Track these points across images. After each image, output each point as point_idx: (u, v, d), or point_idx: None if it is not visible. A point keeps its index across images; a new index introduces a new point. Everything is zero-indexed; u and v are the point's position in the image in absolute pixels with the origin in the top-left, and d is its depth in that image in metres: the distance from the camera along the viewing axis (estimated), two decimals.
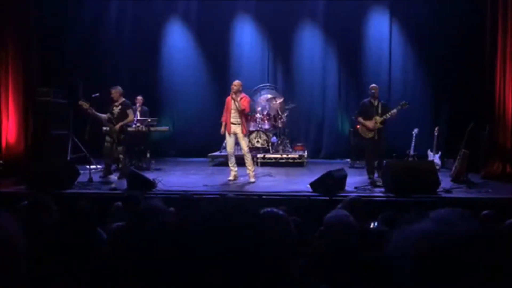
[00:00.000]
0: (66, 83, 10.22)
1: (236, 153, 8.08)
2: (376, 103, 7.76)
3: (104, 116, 8.09)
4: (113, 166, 8.48)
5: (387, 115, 7.60)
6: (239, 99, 7.64)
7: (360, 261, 2.49)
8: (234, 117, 7.70)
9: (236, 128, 7.69)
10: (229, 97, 7.81)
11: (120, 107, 8.15)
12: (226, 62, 11.70)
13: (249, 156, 7.87)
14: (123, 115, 8.15)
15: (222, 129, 7.94)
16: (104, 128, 8.19)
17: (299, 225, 3.78)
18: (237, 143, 8.06)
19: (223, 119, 7.96)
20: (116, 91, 8.19)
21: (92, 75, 10.81)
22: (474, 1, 9.61)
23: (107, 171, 8.13)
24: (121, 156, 8.07)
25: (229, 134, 7.78)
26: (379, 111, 7.67)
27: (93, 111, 7.97)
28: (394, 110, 7.65)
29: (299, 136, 11.39)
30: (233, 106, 7.70)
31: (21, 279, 0.99)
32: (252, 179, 7.75)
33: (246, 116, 7.93)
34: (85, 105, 8.00)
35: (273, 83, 11.64)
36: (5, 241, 0.95)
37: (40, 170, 7.02)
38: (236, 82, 7.85)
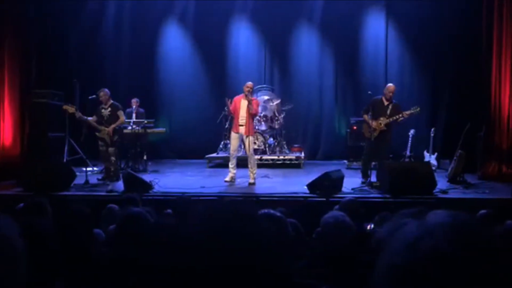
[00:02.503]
0: (62, 85, 10.20)
1: (239, 154, 8.08)
2: (387, 103, 7.38)
3: (90, 119, 8.02)
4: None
5: (394, 118, 7.23)
6: (252, 101, 7.66)
7: (360, 262, 2.49)
8: (242, 118, 7.65)
9: (244, 130, 7.66)
10: (239, 97, 7.75)
11: (109, 109, 8.11)
12: (223, 64, 11.70)
13: (252, 158, 7.83)
14: (114, 117, 8.12)
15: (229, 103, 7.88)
16: (97, 133, 8.11)
17: (296, 227, 3.78)
18: (241, 145, 8.08)
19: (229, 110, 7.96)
20: (105, 93, 8.13)
21: (89, 77, 10.78)
22: (469, 3, 9.65)
23: (107, 175, 8.09)
24: (112, 158, 8.04)
25: (237, 133, 7.73)
26: (388, 112, 7.30)
27: (80, 114, 7.93)
28: (401, 117, 7.25)
29: (296, 137, 11.40)
30: (242, 107, 7.63)
31: (20, 282, 0.99)
32: (252, 181, 7.73)
33: (253, 117, 7.94)
34: (71, 109, 7.95)
35: (270, 85, 11.65)
36: (4, 244, 0.95)
37: (37, 172, 7.00)
38: (250, 83, 7.79)
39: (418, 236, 0.72)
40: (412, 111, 7.36)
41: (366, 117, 7.47)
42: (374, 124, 7.33)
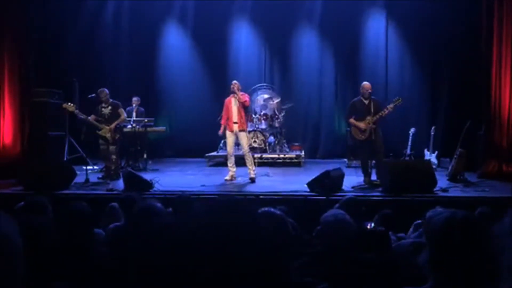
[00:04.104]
0: (62, 84, 10.19)
1: (235, 153, 8.12)
2: (367, 102, 7.37)
3: (89, 118, 8.02)
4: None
5: (380, 114, 7.25)
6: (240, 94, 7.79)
7: (361, 261, 2.49)
8: (235, 116, 7.78)
9: (237, 126, 7.76)
10: (228, 99, 7.92)
11: (110, 107, 8.11)
12: (223, 62, 11.70)
13: (249, 156, 7.89)
14: (114, 115, 8.12)
15: (221, 130, 8.00)
16: (98, 132, 8.11)
17: (293, 227, 3.79)
18: (237, 144, 8.12)
19: (222, 121, 8.01)
20: (105, 92, 8.15)
21: (88, 76, 10.78)
22: (469, 2, 9.63)
23: (107, 174, 8.09)
24: (113, 156, 8.04)
25: (232, 131, 7.81)
26: (372, 110, 7.28)
27: (79, 113, 7.94)
28: (386, 111, 7.28)
29: (296, 136, 11.39)
30: (233, 105, 7.78)
31: (19, 280, 0.99)
32: (253, 176, 7.78)
33: (246, 110, 8.01)
34: (70, 107, 7.95)
35: (270, 83, 11.65)
36: (3, 242, 0.95)
37: (37, 171, 7.00)
38: (235, 82, 7.99)
39: None
40: (395, 103, 7.38)
41: (352, 120, 7.48)
42: (362, 125, 7.33)
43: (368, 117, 7.29)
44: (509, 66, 8.29)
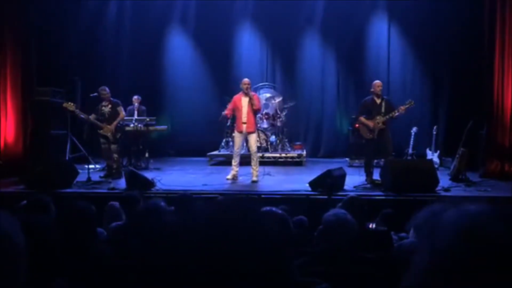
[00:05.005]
0: (64, 82, 10.20)
1: (241, 152, 8.08)
2: (379, 101, 7.32)
3: (90, 117, 8.03)
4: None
5: (391, 115, 7.19)
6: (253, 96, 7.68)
7: (362, 260, 2.48)
8: (244, 116, 7.61)
9: (246, 128, 7.64)
10: (238, 96, 7.75)
11: (110, 106, 8.13)
12: (224, 61, 11.69)
13: (255, 156, 7.79)
14: (115, 113, 8.13)
15: (222, 117, 7.89)
16: (99, 131, 8.13)
17: (298, 224, 3.79)
18: (243, 143, 8.09)
19: (226, 111, 7.90)
20: (106, 91, 8.17)
21: (90, 74, 10.79)
22: (472, 1, 9.62)
23: (109, 173, 8.10)
24: (115, 155, 8.05)
25: (241, 132, 7.69)
26: (383, 109, 7.24)
27: (80, 112, 7.95)
28: (397, 112, 7.21)
29: (298, 135, 11.40)
30: (243, 105, 7.61)
31: (21, 279, 0.99)
32: (255, 179, 7.70)
33: (256, 112, 7.95)
34: (71, 107, 7.98)
35: (272, 83, 11.65)
36: (5, 241, 0.95)
37: (39, 170, 7.01)
38: (247, 79, 7.77)
39: (464, 223, 0.72)
40: (407, 106, 7.31)
41: (362, 118, 7.39)
42: (372, 124, 7.28)
43: (378, 117, 7.25)
44: (511, 65, 8.27)
